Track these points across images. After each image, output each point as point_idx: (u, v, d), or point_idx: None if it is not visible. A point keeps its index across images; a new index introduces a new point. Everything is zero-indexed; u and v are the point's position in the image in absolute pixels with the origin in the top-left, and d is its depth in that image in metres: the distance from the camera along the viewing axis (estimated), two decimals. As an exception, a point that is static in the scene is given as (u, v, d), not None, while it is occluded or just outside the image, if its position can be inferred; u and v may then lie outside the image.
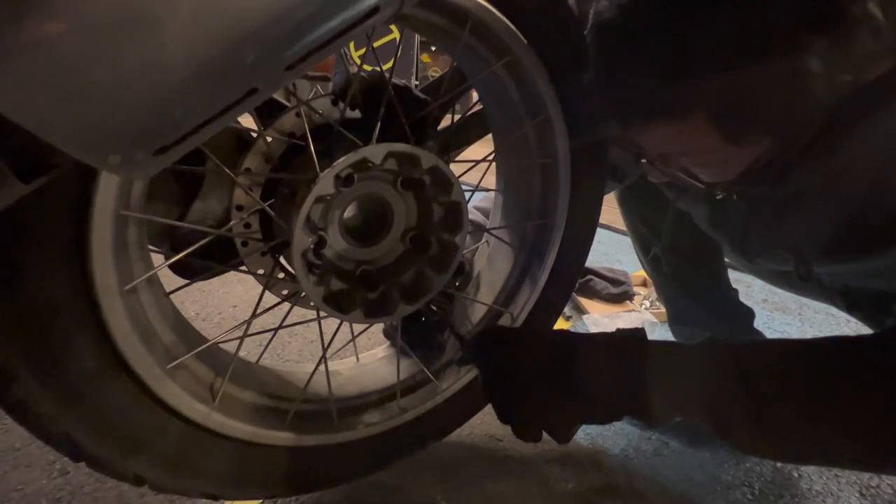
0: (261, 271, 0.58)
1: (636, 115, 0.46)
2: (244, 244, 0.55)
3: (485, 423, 0.53)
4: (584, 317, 1.25)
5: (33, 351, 0.36)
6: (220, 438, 0.49)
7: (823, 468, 0.80)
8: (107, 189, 0.34)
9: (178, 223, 0.48)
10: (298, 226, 0.45)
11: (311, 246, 0.49)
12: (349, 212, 0.57)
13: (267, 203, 0.52)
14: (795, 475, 0.80)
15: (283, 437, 0.53)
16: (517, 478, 0.76)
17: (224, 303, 1.24)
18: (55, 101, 0.16)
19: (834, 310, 0.73)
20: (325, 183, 0.46)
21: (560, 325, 1.26)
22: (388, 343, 0.77)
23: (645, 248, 0.91)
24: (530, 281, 0.72)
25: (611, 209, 0.82)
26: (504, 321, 0.74)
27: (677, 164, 0.51)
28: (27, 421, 0.38)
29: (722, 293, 0.92)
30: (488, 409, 0.53)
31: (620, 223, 0.96)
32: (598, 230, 0.74)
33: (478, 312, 0.76)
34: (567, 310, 1.31)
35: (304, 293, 0.62)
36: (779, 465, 0.81)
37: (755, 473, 0.80)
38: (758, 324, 0.95)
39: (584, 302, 1.34)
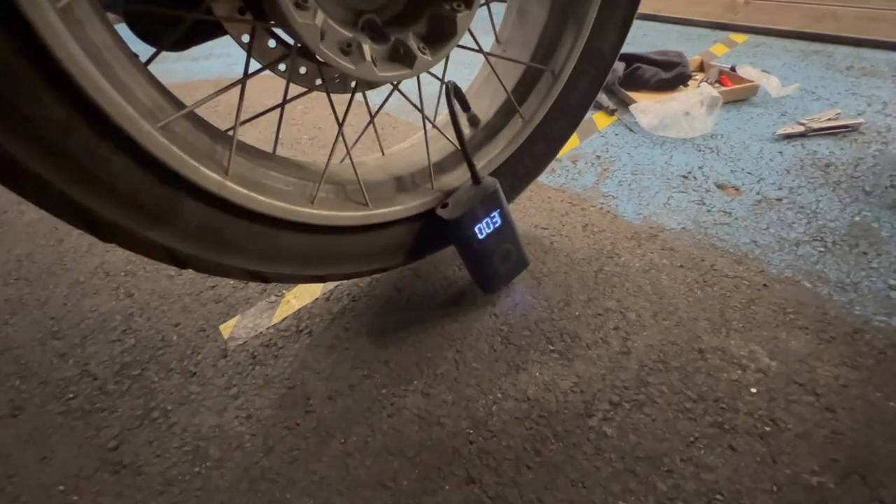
0: (246, 38, 0.48)
1: None
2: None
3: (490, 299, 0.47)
4: (631, 106, 1.11)
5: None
6: (244, 213, 0.45)
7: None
8: None
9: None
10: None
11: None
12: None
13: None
14: (875, 225, 0.73)
15: (312, 215, 0.50)
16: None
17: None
18: None
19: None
20: None
21: (602, 120, 1.13)
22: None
23: None
24: (574, 26, 0.59)
25: None
26: (545, 81, 0.62)
27: None
28: (18, 187, 0.34)
29: None
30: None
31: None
32: (644, 21, 0.57)
33: (497, 100, 0.64)
34: (611, 103, 1.16)
35: (303, 69, 0.52)
36: (856, 218, 0.74)
37: (828, 229, 0.73)
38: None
39: (631, 94, 1.18)
